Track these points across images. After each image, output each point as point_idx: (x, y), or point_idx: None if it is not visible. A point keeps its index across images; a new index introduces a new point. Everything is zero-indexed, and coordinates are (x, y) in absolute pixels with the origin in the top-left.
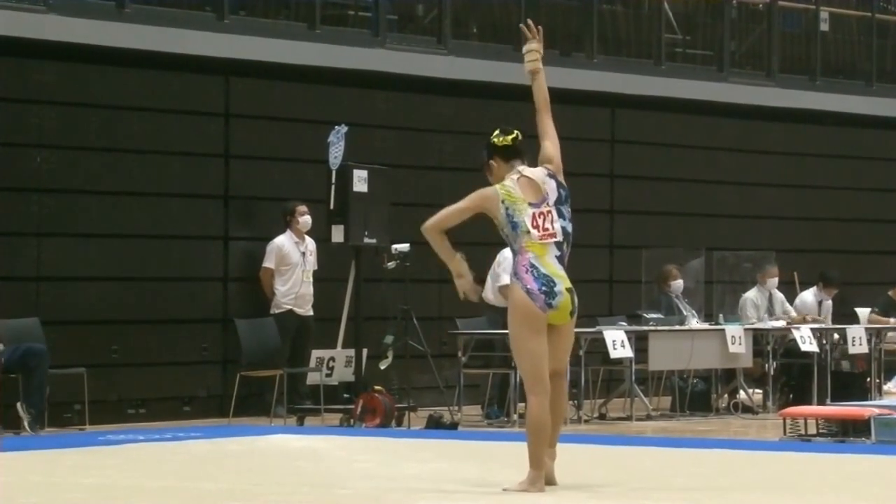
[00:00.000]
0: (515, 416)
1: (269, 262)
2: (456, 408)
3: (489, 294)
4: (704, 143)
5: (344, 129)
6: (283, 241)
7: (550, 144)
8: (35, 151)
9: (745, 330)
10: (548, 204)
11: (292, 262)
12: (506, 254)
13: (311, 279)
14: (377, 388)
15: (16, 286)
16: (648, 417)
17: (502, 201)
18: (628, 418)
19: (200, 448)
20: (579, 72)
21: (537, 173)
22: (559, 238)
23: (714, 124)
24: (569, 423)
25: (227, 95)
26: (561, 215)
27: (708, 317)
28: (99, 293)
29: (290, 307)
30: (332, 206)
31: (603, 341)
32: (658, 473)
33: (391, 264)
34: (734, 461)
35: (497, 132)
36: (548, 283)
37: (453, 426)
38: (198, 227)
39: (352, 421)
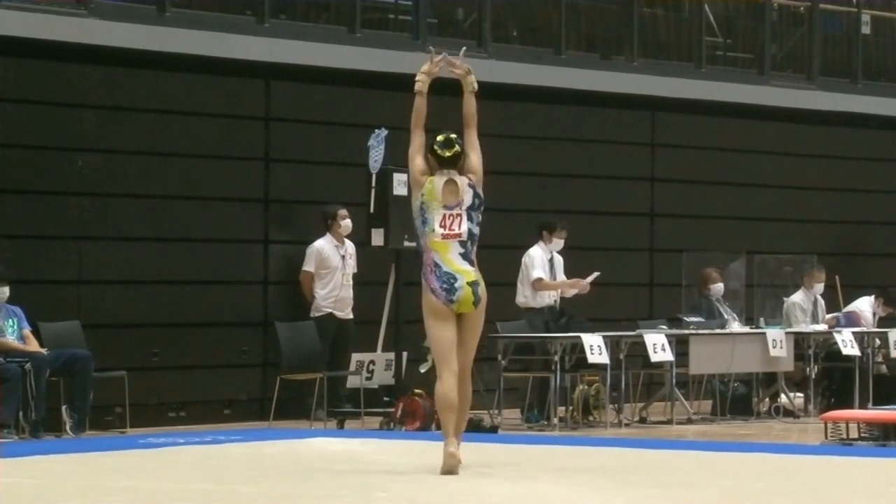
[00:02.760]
0: (556, 420)
1: (309, 266)
2: (496, 411)
3: (521, 297)
4: (745, 146)
5: (384, 132)
6: (324, 244)
7: (475, 157)
8: (76, 155)
9: (787, 334)
10: (461, 208)
11: (332, 265)
12: (531, 252)
13: (352, 282)
14: (417, 391)
15: (57, 290)
16: (689, 421)
17: (423, 194)
18: (669, 422)
19: (240, 451)
20: (620, 75)
21: (462, 182)
22: (464, 238)
23: (754, 127)
24: (609, 426)
25: (268, 99)
26: (470, 218)
27: (749, 320)
28: (139, 297)
29: (330, 310)
30: (371, 210)
31: (643, 345)
32: (698, 477)
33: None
34: (775, 465)
35: (441, 141)
36: (448, 281)
37: (493, 430)
38: (238, 230)
39: (392, 424)
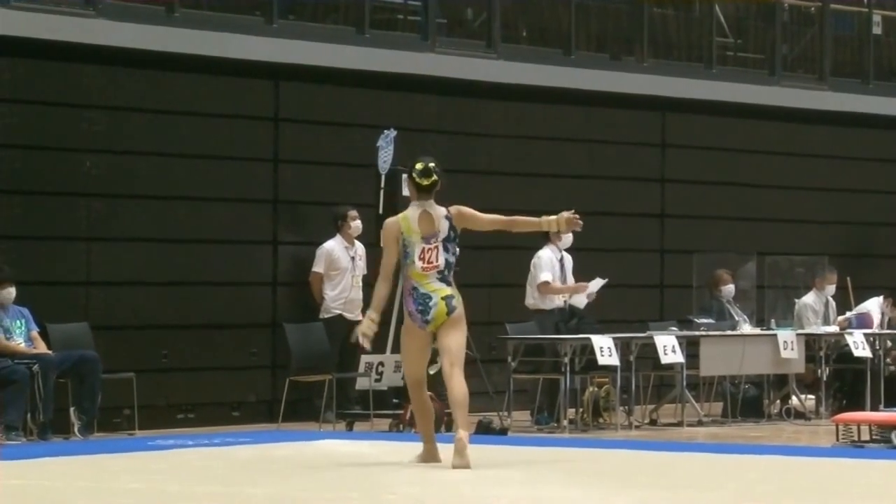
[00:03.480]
0: (566, 423)
1: (318, 267)
2: (505, 413)
3: (530, 299)
4: (756, 146)
5: (393, 133)
6: (333, 245)
7: (488, 216)
8: (84, 156)
9: (798, 335)
10: (437, 239)
11: (342, 266)
12: (540, 254)
13: (361, 284)
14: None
15: (65, 291)
16: (700, 423)
17: (402, 232)
18: (679, 424)
19: (249, 453)
20: (630, 75)
21: (437, 213)
22: (441, 268)
23: (765, 128)
24: (619, 428)
25: (277, 99)
26: (446, 249)
27: (760, 322)
28: (148, 298)
29: (339, 312)
30: (381, 211)
31: (654, 346)
32: (709, 479)
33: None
34: (786, 467)
35: (419, 169)
36: (424, 301)
37: (503, 432)
38: (247, 231)
39: (401, 426)
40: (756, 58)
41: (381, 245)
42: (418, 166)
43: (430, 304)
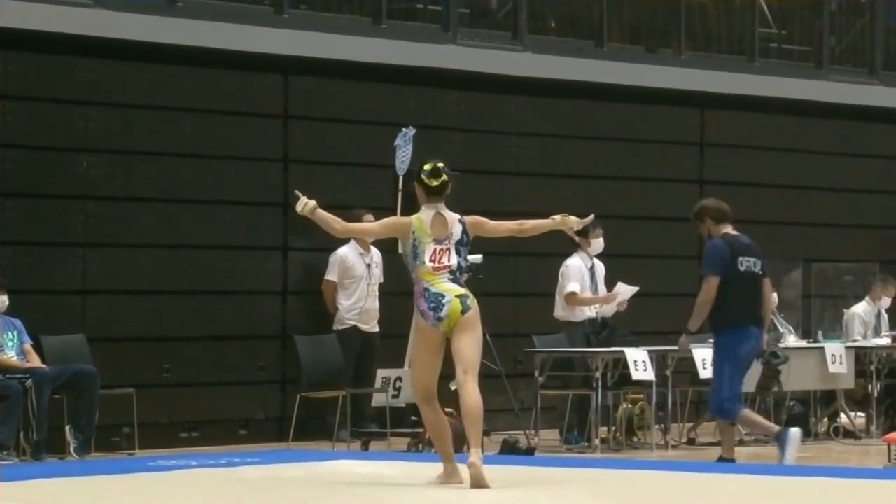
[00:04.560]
0: (597, 442)
1: (331, 275)
2: (532, 432)
3: (559, 310)
4: (801, 145)
5: (412, 131)
6: (347, 252)
7: (499, 223)
8: (81, 155)
9: (847, 348)
10: (449, 242)
11: (357, 274)
12: (568, 262)
13: (377, 293)
14: (447, 410)
15: (60, 300)
16: (741, 443)
17: (413, 231)
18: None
19: (257, 475)
20: (666, 69)
21: (451, 217)
22: (453, 269)
23: (812, 125)
24: (655, 448)
25: (287, 95)
26: (458, 252)
27: (806, 334)
28: (149, 308)
29: (354, 323)
30: (398, 214)
31: (692, 360)
32: (751, 503)
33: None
34: (834, 490)
35: (428, 170)
36: (436, 300)
37: (529, 452)
38: (255, 236)
39: (420, 446)
40: (802, 50)
41: (379, 226)
42: (427, 167)
43: (444, 301)
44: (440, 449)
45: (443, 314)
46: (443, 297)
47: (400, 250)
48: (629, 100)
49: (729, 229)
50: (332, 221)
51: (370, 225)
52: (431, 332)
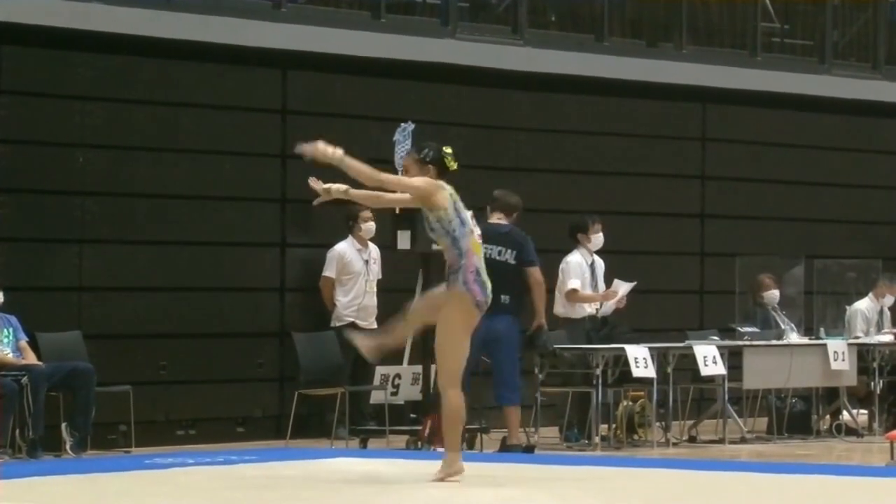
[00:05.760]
0: (597, 439)
1: (329, 271)
2: (532, 429)
3: (559, 307)
4: (804, 141)
5: (411, 126)
6: (345, 248)
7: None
8: (78, 151)
9: (849, 345)
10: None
11: (355, 270)
12: (568, 259)
13: (375, 289)
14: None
15: (56, 297)
16: (743, 440)
17: (450, 195)
18: (721, 441)
19: (255, 472)
20: (667, 64)
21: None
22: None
23: (814, 120)
24: (655, 446)
25: (285, 90)
26: None
27: (808, 331)
28: (145, 305)
29: (352, 319)
30: (397, 211)
31: (693, 357)
32: (753, 501)
33: None
34: (837, 488)
35: (450, 153)
36: (483, 277)
37: (529, 449)
38: (253, 232)
39: (419, 444)
40: (805, 44)
41: (419, 182)
42: (448, 149)
43: (489, 292)
44: (451, 438)
45: (488, 293)
46: (488, 287)
47: (428, 224)
48: (630, 95)
49: (494, 219)
50: (365, 169)
51: (410, 179)
52: (475, 315)
